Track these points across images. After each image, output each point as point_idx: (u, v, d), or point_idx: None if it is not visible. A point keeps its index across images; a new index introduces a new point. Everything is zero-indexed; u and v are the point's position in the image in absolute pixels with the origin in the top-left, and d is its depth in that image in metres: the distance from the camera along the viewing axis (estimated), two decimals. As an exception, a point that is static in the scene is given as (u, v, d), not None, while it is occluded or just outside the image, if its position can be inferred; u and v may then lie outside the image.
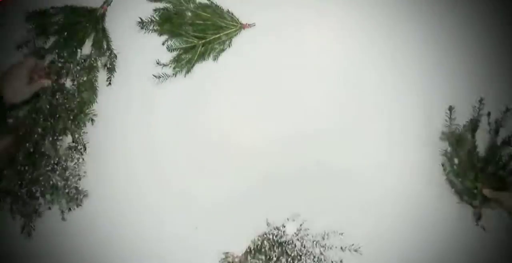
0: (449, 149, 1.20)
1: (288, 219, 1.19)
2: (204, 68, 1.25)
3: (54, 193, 1.17)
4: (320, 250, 1.17)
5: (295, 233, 1.19)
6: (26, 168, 1.15)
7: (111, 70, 1.24)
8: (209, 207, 1.20)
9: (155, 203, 1.21)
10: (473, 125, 1.20)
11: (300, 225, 1.19)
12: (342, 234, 1.18)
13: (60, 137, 1.19)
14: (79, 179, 1.20)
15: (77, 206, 1.19)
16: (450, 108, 1.21)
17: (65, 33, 1.22)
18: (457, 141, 1.20)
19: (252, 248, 1.17)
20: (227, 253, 1.17)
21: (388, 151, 1.23)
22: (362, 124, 1.24)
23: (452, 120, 1.21)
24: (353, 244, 1.17)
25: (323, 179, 1.21)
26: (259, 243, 1.18)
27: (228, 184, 1.21)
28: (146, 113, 1.25)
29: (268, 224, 1.19)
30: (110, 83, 1.24)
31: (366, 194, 1.20)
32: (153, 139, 1.24)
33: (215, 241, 1.18)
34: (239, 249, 1.18)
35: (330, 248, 1.18)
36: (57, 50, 1.22)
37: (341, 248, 1.17)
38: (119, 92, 1.25)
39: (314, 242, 1.18)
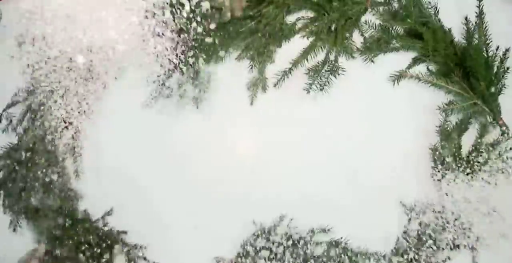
0: (438, 144, 1.21)
1: (276, 219, 1.21)
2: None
3: (50, 191, 1.18)
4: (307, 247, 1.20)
5: (283, 233, 1.20)
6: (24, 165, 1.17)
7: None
8: (203, 211, 1.22)
9: (153, 203, 1.23)
10: (462, 125, 1.20)
11: (287, 225, 1.21)
12: (329, 229, 1.20)
13: (59, 136, 1.21)
14: (77, 178, 1.22)
15: (73, 205, 1.20)
16: (449, 103, 1.20)
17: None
18: (446, 138, 1.20)
19: (242, 251, 1.19)
20: (217, 257, 1.20)
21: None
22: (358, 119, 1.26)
23: (447, 117, 1.20)
24: (341, 237, 1.20)
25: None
26: (249, 245, 1.19)
27: (219, 189, 1.23)
28: (145, 114, 1.25)
29: (255, 225, 1.21)
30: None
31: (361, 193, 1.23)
32: (152, 139, 1.25)
33: (207, 246, 1.21)
34: (230, 253, 1.20)
35: (319, 245, 1.20)
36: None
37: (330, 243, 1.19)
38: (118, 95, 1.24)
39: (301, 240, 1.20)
